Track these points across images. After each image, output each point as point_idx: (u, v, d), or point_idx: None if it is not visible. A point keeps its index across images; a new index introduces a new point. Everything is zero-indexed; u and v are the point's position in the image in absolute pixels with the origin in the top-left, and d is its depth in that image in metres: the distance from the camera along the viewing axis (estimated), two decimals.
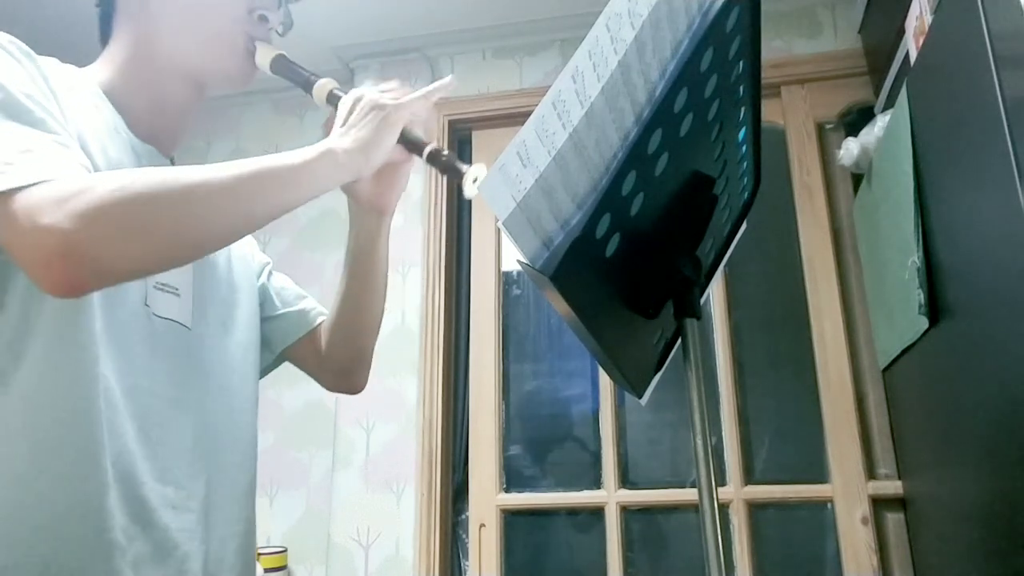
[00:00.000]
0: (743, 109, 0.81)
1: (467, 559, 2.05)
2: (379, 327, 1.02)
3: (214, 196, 0.68)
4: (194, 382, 0.84)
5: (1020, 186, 1.04)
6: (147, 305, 0.79)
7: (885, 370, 1.81)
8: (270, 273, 1.05)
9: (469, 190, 0.75)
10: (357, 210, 0.94)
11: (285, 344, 1.03)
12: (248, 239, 1.03)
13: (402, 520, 2.04)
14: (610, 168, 0.65)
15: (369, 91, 0.81)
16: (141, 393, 0.76)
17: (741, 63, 0.75)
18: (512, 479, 2.11)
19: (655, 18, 0.63)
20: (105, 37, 0.89)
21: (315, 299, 1.08)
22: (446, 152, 0.79)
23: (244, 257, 0.99)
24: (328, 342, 1.02)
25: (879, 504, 1.85)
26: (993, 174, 1.13)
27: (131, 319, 0.77)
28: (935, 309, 1.41)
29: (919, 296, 1.43)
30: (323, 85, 0.87)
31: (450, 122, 2.37)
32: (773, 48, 2.19)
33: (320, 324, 1.04)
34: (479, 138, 2.40)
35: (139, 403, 0.76)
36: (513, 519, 2.08)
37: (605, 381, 2.12)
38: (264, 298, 1.02)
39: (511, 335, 2.24)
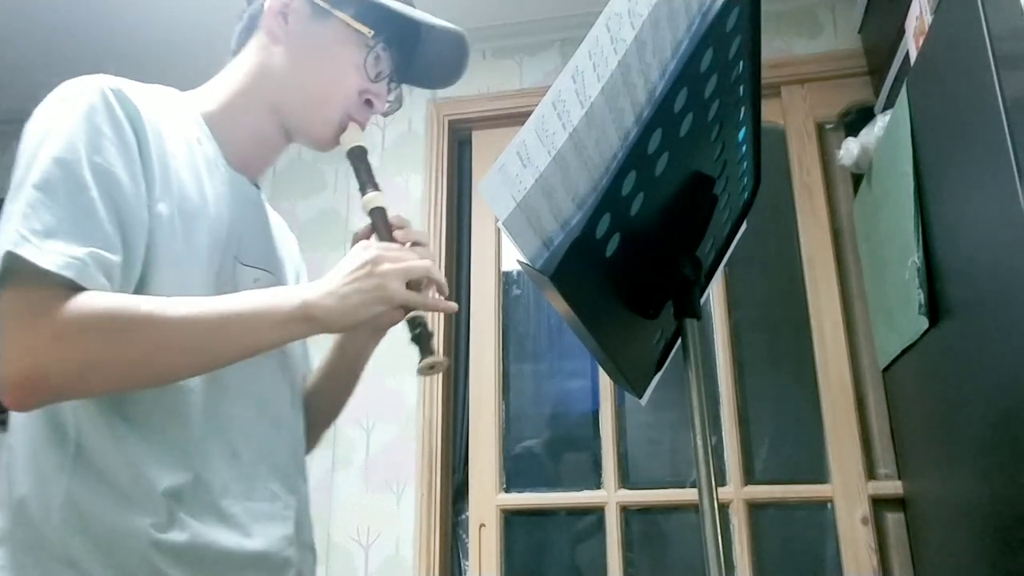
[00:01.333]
0: (743, 109, 0.81)
1: (467, 559, 2.05)
2: (338, 415, 1.07)
3: (181, 338, 0.71)
4: (286, 400, 0.91)
5: (1020, 186, 1.04)
6: None
7: (885, 370, 1.81)
8: None
9: (420, 369, 0.81)
10: None
11: None
12: (299, 261, 1.06)
13: (402, 520, 2.04)
14: (610, 168, 0.65)
15: (385, 255, 0.80)
16: (234, 420, 0.82)
17: (741, 63, 0.75)
18: (512, 479, 2.11)
19: (655, 18, 0.63)
20: (237, 51, 0.94)
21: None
22: (425, 328, 0.82)
23: (303, 277, 1.05)
24: None
25: (879, 504, 1.85)
26: (993, 174, 1.13)
27: None
28: (935, 309, 1.40)
29: (919, 296, 1.43)
30: (372, 198, 0.89)
31: (450, 122, 2.36)
32: (773, 48, 2.19)
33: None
34: (479, 138, 2.40)
35: (234, 429, 0.81)
36: (513, 519, 2.08)
37: (605, 381, 2.12)
38: None
39: (511, 335, 2.24)
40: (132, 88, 0.79)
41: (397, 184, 2.33)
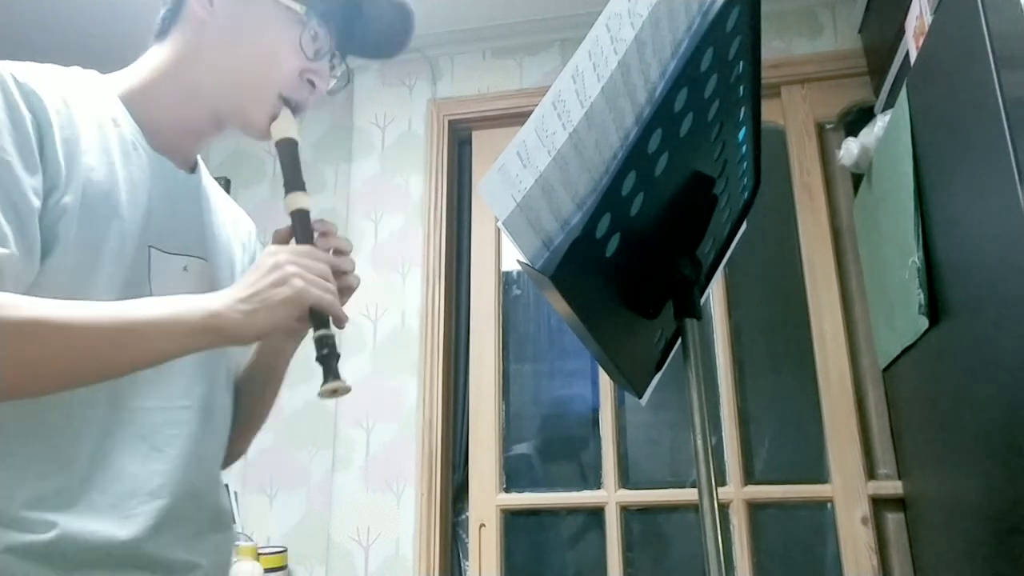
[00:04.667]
0: (743, 109, 0.81)
1: (467, 559, 2.05)
2: (258, 429, 1.01)
3: (75, 346, 0.66)
4: (222, 386, 0.88)
5: (1020, 186, 1.04)
6: None
7: (885, 370, 1.81)
8: None
9: (320, 392, 0.75)
10: None
11: None
12: (252, 246, 1.02)
13: (402, 520, 2.04)
14: (610, 168, 0.65)
15: (295, 259, 0.76)
16: (150, 413, 0.78)
17: (741, 63, 0.75)
18: (512, 479, 2.11)
19: (655, 18, 0.63)
20: (160, 38, 0.88)
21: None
22: (333, 349, 0.77)
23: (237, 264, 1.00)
24: None
25: (879, 504, 1.85)
26: (993, 174, 1.13)
27: None
28: (935, 309, 1.40)
29: (919, 296, 1.43)
30: (295, 198, 0.84)
31: (450, 122, 2.36)
32: (773, 48, 2.19)
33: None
34: (479, 138, 2.40)
35: (149, 423, 0.78)
36: (513, 519, 2.08)
37: (605, 381, 2.12)
38: None
39: (511, 335, 2.24)
40: (35, 74, 0.74)
41: (397, 184, 2.33)
